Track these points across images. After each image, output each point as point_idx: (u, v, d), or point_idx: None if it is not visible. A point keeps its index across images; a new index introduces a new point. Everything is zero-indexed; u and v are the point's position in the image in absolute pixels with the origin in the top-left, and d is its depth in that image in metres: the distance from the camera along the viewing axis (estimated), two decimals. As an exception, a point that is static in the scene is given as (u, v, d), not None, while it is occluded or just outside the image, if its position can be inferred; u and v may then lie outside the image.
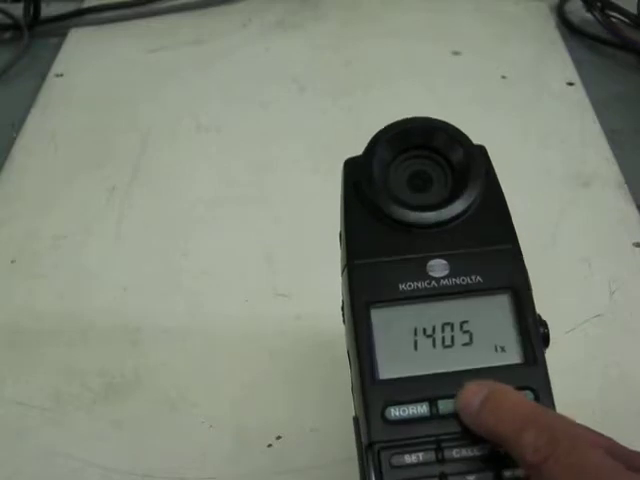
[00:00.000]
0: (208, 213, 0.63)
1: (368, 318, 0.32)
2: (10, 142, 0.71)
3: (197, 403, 0.49)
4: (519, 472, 0.29)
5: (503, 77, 0.77)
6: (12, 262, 0.60)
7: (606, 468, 0.26)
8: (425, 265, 0.33)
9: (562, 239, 0.59)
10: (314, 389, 0.49)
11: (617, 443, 0.29)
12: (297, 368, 0.51)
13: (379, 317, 0.32)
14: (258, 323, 0.54)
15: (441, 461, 0.30)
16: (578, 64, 0.79)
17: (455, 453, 0.30)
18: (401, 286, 0.32)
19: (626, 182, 0.64)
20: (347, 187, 0.35)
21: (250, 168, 0.68)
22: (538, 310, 0.32)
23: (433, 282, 0.32)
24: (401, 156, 0.35)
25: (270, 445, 0.47)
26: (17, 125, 0.73)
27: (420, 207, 0.33)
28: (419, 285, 0.32)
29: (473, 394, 0.30)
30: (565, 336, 0.52)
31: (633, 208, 0.62)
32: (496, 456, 0.29)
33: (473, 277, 0.32)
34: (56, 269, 0.59)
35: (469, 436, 0.30)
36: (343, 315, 0.34)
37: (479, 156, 0.34)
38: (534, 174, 0.65)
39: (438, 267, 0.33)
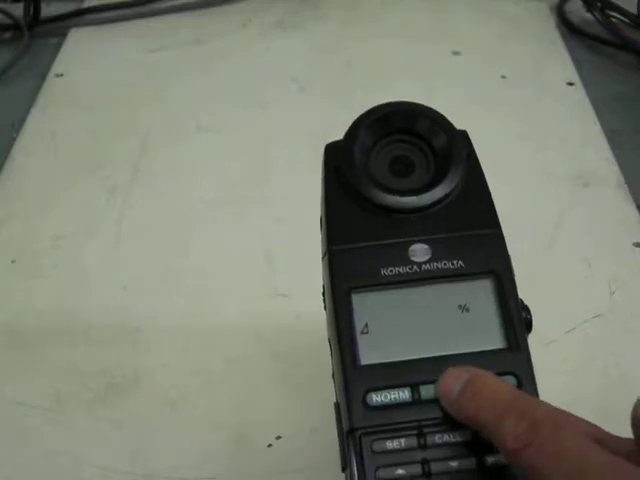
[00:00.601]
0: (208, 213, 0.63)
1: (349, 303, 0.32)
2: (10, 142, 0.71)
3: (197, 403, 0.49)
4: (501, 458, 0.29)
5: (503, 77, 0.77)
6: (12, 262, 0.60)
7: (588, 453, 0.26)
8: (407, 250, 0.32)
9: (562, 239, 0.59)
10: (314, 389, 0.49)
11: (601, 429, 0.28)
12: (297, 368, 0.51)
13: (360, 302, 0.32)
14: (258, 323, 0.54)
15: (423, 447, 0.29)
16: (578, 64, 0.79)
17: (437, 439, 0.30)
18: (383, 271, 0.32)
19: (626, 182, 0.64)
20: (328, 171, 0.35)
21: (250, 168, 0.68)
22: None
23: (415, 267, 0.32)
24: (383, 140, 0.34)
25: (270, 445, 0.47)
26: (17, 125, 0.73)
27: (401, 192, 0.33)
28: (401, 270, 0.32)
29: (453, 379, 0.29)
30: (565, 336, 0.51)
31: (633, 208, 0.62)
32: (479, 442, 0.29)
33: (455, 262, 0.32)
34: (56, 269, 0.59)
35: (451, 422, 0.30)
36: (324, 301, 0.33)
37: (461, 141, 0.34)
38: (534, 174, 0.65)
39: (420, 252, 0.32)
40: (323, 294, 0.33)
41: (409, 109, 0.35)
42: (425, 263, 0.32)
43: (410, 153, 0.34)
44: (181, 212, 0.63)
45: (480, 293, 0.32)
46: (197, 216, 0.63)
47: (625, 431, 0.28)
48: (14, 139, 0.72)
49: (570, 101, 0.74)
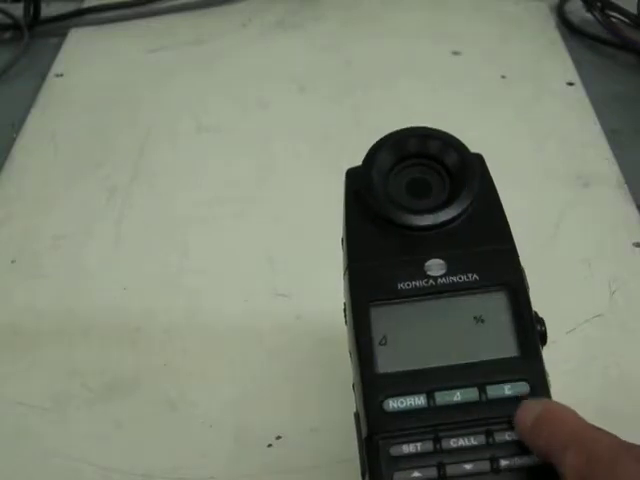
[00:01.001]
0: (208, 213, 0.63)
1: (368, 316, 0.32)
2: (10, 142, 0.71)
3: (197, 403, 0.49)
4: (516, 461, 0.30)
5: (503, 77, 0.77)
6: (12, 262, 0.60)
7: None
8: (423, 265, 0.33)
9: (562, 239, 0.59)
10: (314, 389, 0.49)
11: None
12: (297, 368, 0.51)
13: (378, 315, 0.33)
14: (258, 323, 0.54)
15: (439, 451, 0.30)
16: (578, 64, 0.79)
17: (452, 443, 0.30)
18: (400, 285, 0.33)
19: (626, 182, 0.64)
20: (348, 195, 0.36)
21: (250, 168, 0.68)
22: (538, 308, 0.33)
23: (431, 281, 0.33)
24: (400, 164, 0.36)
25: (270, 445, 0.47)
26: (17, 125, 0.73)
27: (417, 210, 0.34)
28: (417, 284, 0.33)
29: (528, 411, 0.30)
30: (565, 336, 0.51)
31: (633, 208, 0.62)
32: (493, 445, 0.30)
33: (470, 275, 0.33)
34: (56, 269, 0.59)
35: (466, 426, 0.30)
36: (345, 317, 0.34)
37: (475, 162, 0.35)
38: (534, 174, 0.65)
39: (436, 266, 0.33)
40: (344, 310, 0.34)
41: (424, 134, 0.36)
42: (441, 277, 0.33)
43: (426, 175, 0.36)
44: (181, 212, 0.63)
45: (495, 305, 0.33)
46: (197, 216, 0.63)
47: (625, 431, 0.28)
48: (14, 139, 0.72)
49: (570, 101, 0.74)
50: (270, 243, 0.60)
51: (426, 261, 0.33)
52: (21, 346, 0.53)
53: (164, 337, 0.53)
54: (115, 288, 0.57)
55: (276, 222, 0.62)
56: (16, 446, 0.47)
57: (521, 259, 0.34)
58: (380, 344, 0.32)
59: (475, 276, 0.33)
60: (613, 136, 0.70)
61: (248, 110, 0.74)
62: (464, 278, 0.33)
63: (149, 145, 0.70)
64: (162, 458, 0.46)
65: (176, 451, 0.47)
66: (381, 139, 0.36)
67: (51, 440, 0.47)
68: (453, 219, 0.34)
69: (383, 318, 0.32)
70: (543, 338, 0.32)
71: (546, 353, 0.32)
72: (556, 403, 0.30)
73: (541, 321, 0.33)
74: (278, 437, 0.47)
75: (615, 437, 0.28)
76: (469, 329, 0.32)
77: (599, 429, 0.29)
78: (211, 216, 0.63)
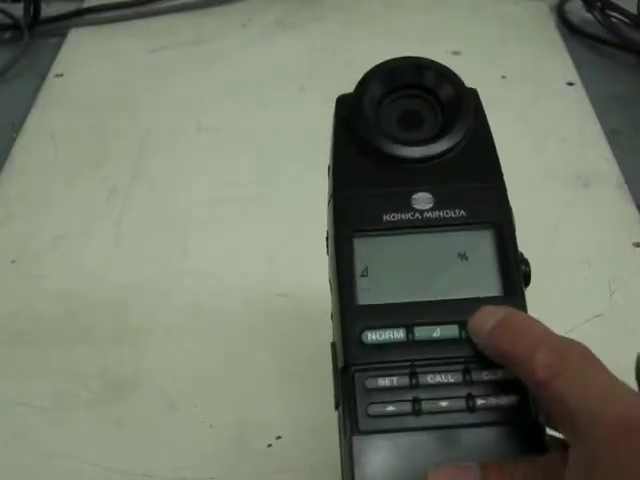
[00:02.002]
0: (208, 213, 0.63)
1: (351, 247, 0.32)
2: (10, 142, 0.71)
3: (197, 403, 0.49)
4: (492, 400, 0.30)
5: (503, 77, 0.77)
6: (12, 262, 0.60)
7: (614, 388, 0.26)
8: (410, 198, 0.33)
9: (562, 239, 0.60)
10: (314, 389, 0.49)
11: None
12: (297, 368, 0.51)
13: (362, 246, 0.32)
14: (258, 323, 0.54)
15: (414, 386, 0.30)
16: (578, 64, 0.79)
17: (429, 379, 0.30)
18: (385, 217, 0.32)
19: (626, 182, 0.64)
20: (337, 122, 0.35)
21: (250, 168, 0.68)
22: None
23: (417, 214, 0.33)
24: (392, 94, 0.35)
25: (270, 445, 0.47)
26: (17, 125, 0.73)
27: (407, 142, 0.34)
28: (403, 217, 0.32)
29: (488, 315, 0.30)
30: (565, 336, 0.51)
31: (633, 208, 0.62)
32: (469, 383, 0.30)
33: (457, 211, 0.33)
34: (56, 269, 0.59)
35: (444, 363, 0.30)
36: (327, 246, 0.34)
37: (469, 96, 0.35)
38: (534, 174, 0.65)
39: (422, 200, 0.33)
40: (327, 239, 0.34)
41: (418, 63, 0.36)
42: (427, 211, 0.33)
43: (418, 106, 0.35)
44: (181, 212, 0.63)
45: (480, 242, 0.32)
46: (197, 216, 0.63)
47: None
48: (14, 139, 0.72)
49: (570, 101, 0.74)
50: (270, 243, 0.60)
51: (413, 194, 0.33)
52: (21, 346, 0.53)
53: (164, 337, 0.54)
54: (115, 288, 0.57)
55: (276, 222, 0.62)
56: (16, 446, 0.47)
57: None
58: (362, 275, 0.32)
59: (462, 212, 0.32)
60: (613, 136, 0.70)
61: (248, 110, 0.74)
62: (450, 214, 0.32)
63: (149, 145, 0.70)
64: (162, 458, 0.46)
65: (176, 451, 0.47)
66: (375, 67, 0.36)
67: (51, 440, 0.47)
68: (443, 153, 0.33)
69: (366, 249, 0.32)
70: (527, 279, 0.32)
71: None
72: (517, 310, 0.30)
73: (525, 262, 0.32)
74: (278, 437, 0.47)
75: (580, 342, 0.28)
76: (453, 265, 0.32)
77: (565, 337, 0.29)
78: (211, 216, 0.63)
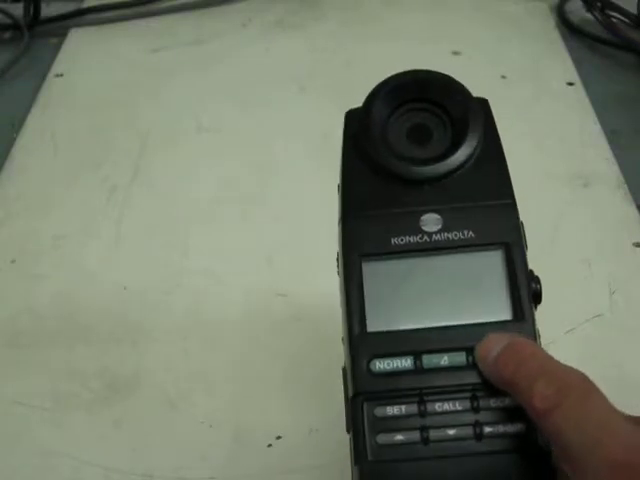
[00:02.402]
0: (208, 213, 0.63)
1: (359, 271, 0.32)
2: (10, 142, 0.71)
3: (197, 403, 0.49)
4: (499, 428, 0.29)
5: (503, 77, 0.77)
6: (12, 262, 0.60)
7: (612, 422, 0.26)
8: (418, 219, 0.32)
9: (562, 239, 0.59)
10: (314, 389, 0.49)
11: None
12: (297, 368, 0.51)
13: (370, 270, 0.32)
14: (258, 323, 0.54)
15: (423, 414, 0.30)
16: (578, 64, 0.79)
17: (437, 407, 0.30)
18: (393, 240, 0.32)
19: (626, 182, 0.64)
20: (346, 139, 0.35)
21: (250, 168, 0.68)
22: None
23: (425, 237, 0.32)
24: (400, 109, 0.34)
25: (270, 445, 0.47)
26: (17, 125, 0.73)
27: (416, 161, 0.33)
28: (411, 239, 0.32)
29: (494, 343, 0.30)
30: (565, 336, 0.52)
31: (633, 208, 0.62)
32: (478, 410, 0.30)
33: (466, 232, 0.32)
34: (56, 269, 0.59)
35: (452, 391, 0.30)
36: (338, 267, 0.33)
37: (478, 110, 0.34)
38: (534, 174, 0.65)
39: (431, 222, 0.32)
40: (337, 260, 0.34)
41: (427, 77, 0.35)
42: (436, 233, 0.32)
43: (428, 121, 0.34)
44: (181, 212, 0.63)
45: (489, 265, 0.32)
46: (197, 216, 0.63)
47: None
48: (14, 139, 0.72)
49: (570, 101, 0.74)
50: (270, 243, 0.60)
51: (422, 215, 0.32)
52: (21, 346, 0.53)
53: (164, 337, 0.53)
54: (115, 288, 0.57)
55: (276, 222, 0.62)
56: (16, 446, 0.47)
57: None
58: (370, 301, 0.31)
59: (471, 233, 0.32)
60: (613, 136, 0.70)
61: (248, 110, 0.74)
62: (459, 235, 0.32)
63: (149, 145, 0.70)
64: (162, 458, 0.46)
65: (176, 451, 0.47)
66: (383, 81, 0.35)
67: (51, 440, 0.47)
68: (452, 171, 0.33)
69: (375, 274, 0.32)
70: (538, 297, 0.32)
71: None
72: (521, 337, 0.30)
73: (536, 279, 0.32)
74: (278, 437, 0.47)
75: (582, 372, 0.28)
76: (462, 289, 0.31)
77: (568, 365, 0.29)
78: (211, 216, 0.63)
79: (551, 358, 0.29)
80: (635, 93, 0.76)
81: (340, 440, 0.42)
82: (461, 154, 0.33)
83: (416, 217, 0.32)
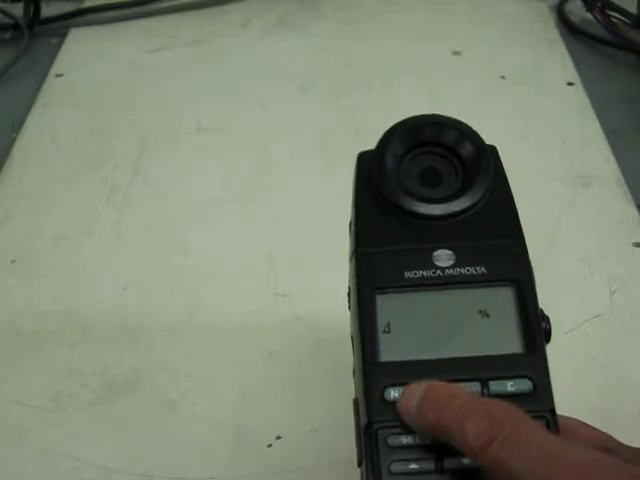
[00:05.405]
0: (208, 213, 0.63)
1: (373, 304, 0.32)
2: (10, 142, 0.71)
3: (197, 403, 0.49)
4: None
5: (503, 77, 0.77)
6: (12, 262, 0.60)
7: (554, 441, 0.26)
8: (431, 255, 0.33)
9: (562, 239, 0.59)
10: (314, 389, 0.49)
11: (603, 433, 0.29)
12: (297, 368, 0.51)
13: (384, 303, 0.32)
14: (258, 323, 0.54)
15: (437, 443, 0.30)
16: (578, 64, 0.79)
17: None
18: (407, 274, 0.33)
19: (626, 182, 0.64)
20: (359, 179, 0.36)
21: (250, 168, 0.68)
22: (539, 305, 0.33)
23: (438, 271, 0.33)
24: (413, 151, 0.35)
25: (270, 445, 0.47)
26: (17, 125, 0.73)
27: (428, 199, 0.34)
28: (424, 274, 0.33)
29: (412, 392, 0.30)
30: (565, 336, 0.51)
31: (633, 208, 0.62)
32: None
33: (477, 268, 0.33)
34: (56, 269, 0.59)
35: None
36: (349, 301, 0.34)
37: (489, 154, 0.35)
38: (534, 174, 0.65)
39: (444, 257, 0.33)
40: (348, 294, 0.34)
41: (440, 122, 0.36)
42: (448, 268, 0.33)
43: (439, 164, 0.35)
44: (181, 212, 0.63)
45: (501, 300, 0.32)
46: (197, 216, 0.63)
47: (625, 431, 0.28)
48: (14, 139, 0.72)
49: (570, 101, 0.74)
50: (270, 243, 0.60)
51: (434, 251, 0.33)
52: (21, 346, 0.53)
53: (164, 337, 0.53)
54: (115, 288, 0.57)
55: (276, 222, 0.62)
56: (15, 446, 0.47)
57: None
58: (384, 332, 0.32)
59: (483, 269, 0.33)
60: (613, 136, 0.70)
61: (248, 110, 0.74)
62: (472, 271, 0.33)
63: (149, 145, 0.70)
64: (162, 458, 0.46)
65: (176, 451, 0.47)
66: (397, 123, 0.36)
67: (51, 440, 0.47)
68: (464, 210, 0.34)
69: (388, 306, 0.32)
70: (547, 336, 0.32)
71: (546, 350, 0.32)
72: (436, 382, 0.30)
73: (546, 319, 0.33)
74: (278, 437, 0.47)
75: (509, 404, 0.28)
76: (474, 322, 0.32)
77: (491, 399, 0.29)
78: (211, 216, 0.63)
79: (472, 395, 0.29)
80: (635, 93, 0.76)
81: (340, 440, 0.42)
82: (472, 195, 0.34)
83: (429, 252, 0.33)
